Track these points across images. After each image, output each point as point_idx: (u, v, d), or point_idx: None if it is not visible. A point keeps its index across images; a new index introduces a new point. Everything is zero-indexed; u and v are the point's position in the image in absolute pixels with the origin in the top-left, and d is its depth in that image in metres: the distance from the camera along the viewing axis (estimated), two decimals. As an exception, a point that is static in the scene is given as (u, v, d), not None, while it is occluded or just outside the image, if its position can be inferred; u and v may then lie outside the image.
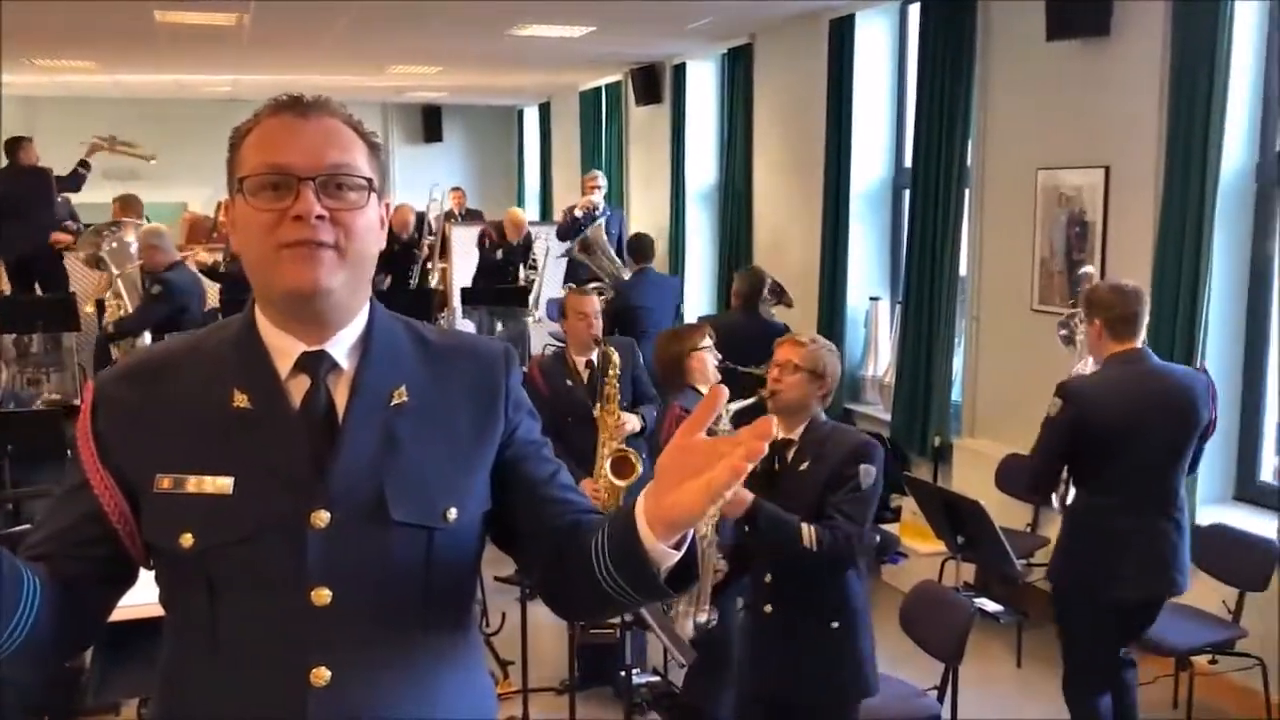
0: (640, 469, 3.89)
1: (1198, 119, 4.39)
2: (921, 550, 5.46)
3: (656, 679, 4.45)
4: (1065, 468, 3.71)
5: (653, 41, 8.84)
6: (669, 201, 9.53)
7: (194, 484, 1.37)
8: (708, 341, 4.21)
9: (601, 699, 4.40)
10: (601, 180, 9.20)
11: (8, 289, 8.56)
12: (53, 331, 7.93)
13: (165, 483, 1.38)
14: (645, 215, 10.17)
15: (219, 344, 1.46)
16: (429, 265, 9.42)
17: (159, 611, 1.46)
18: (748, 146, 8.21)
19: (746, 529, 3.10)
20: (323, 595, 1.36)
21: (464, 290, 8.50)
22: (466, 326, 8.20)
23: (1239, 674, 4.14)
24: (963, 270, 5.94)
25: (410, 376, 1.46)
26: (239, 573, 1.37)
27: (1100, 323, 3.62)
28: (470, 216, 11.75)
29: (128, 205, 8.08)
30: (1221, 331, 4.56)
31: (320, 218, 1.35)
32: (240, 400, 1.40)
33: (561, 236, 8.79)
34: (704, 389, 3.84)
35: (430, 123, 15.31)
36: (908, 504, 5.53)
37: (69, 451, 1.58)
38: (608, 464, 4.00)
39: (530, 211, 12.76)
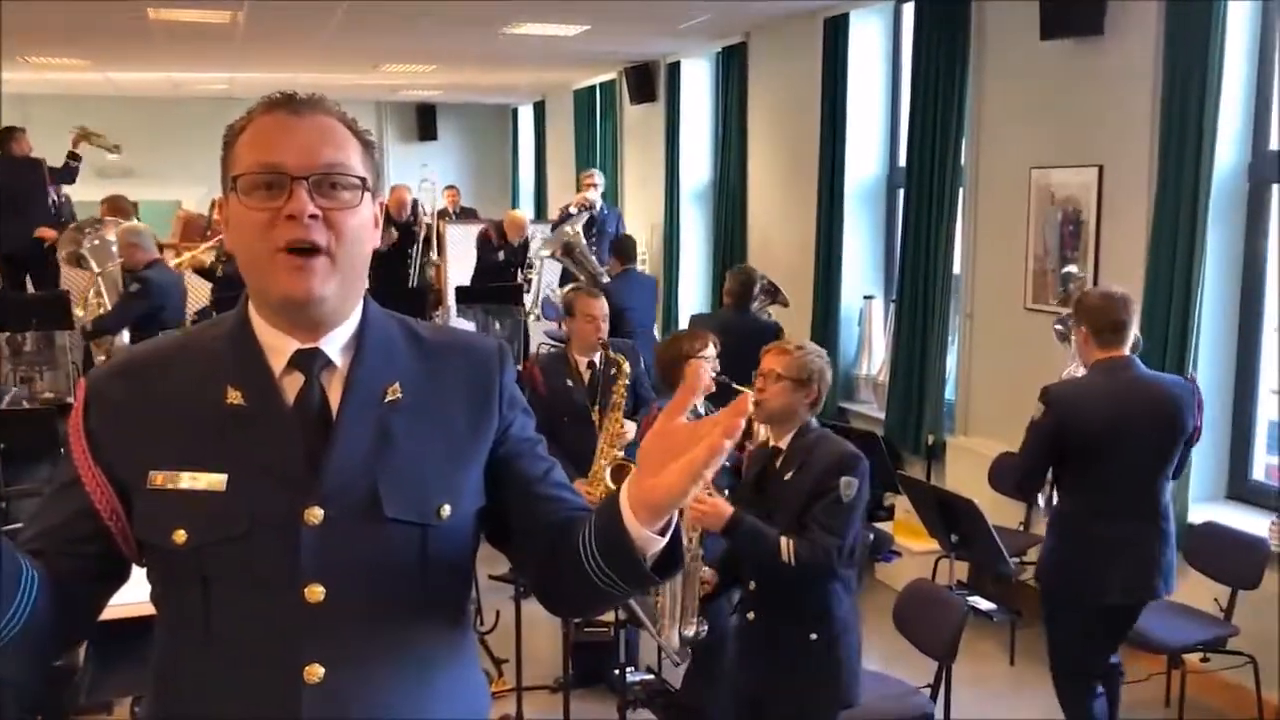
0: None
1: (1191, 118, 4.40)
2: (915, 548, 5.46)
3: (650, 677, 4.45)
4: (1050, 470, 3.73)
5: (647, 40, 8.84)
6: (663, 200, 9.53)
7: (187, 481, 1.37)
8: (710, 351, 4.15)
9: (595, 697, 4.40)
10: (598, 178, 9.20)
11: None
12: (46, 330, 7.91)
13: (158, 480, 1.38)
14: (640, 214, 10.17)
15: (212, 341, 1.46)
16: (429, 255, 9.40)
17: (151, 610, 1.46)
18: (742, 145, 8.21)
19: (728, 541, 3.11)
20: (316, 592, 1.36)
21: (459, 289, 8.49)
22: (467, 325, 8.19)
23: (1230, 672, 4.15)
24: (956, 269, 5.95)
25: (404, 373, 1.46)
26: (232, 569, 1.36)
27: (1086, 330, 3.63)
28: (464, 215, 11.74)
29: (115, 205, 8.06)
30: (1214, 330, 4.57)
31: (314, 217, 1.36)
32: (234, 397, 1.40)
33: None
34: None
35: (425, 121, 15.29)
36: (901, 502, 5.54)
37: (61, 450, 1.57)
38: (607, 471, 4.01)
39: (524, 210, 12.75)
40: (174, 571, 1.40)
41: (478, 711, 1.54)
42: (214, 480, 1.37)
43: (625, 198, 10.60)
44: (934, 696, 3.46)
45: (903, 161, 6.42)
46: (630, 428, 4.28)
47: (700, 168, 9.33)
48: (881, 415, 6.44)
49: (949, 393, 6.04)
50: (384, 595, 1.40)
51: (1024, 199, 5.40)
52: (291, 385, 1.42)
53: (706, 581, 3.25)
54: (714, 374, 4.17)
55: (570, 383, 4.60)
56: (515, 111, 15.48)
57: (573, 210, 8.72)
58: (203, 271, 7.63)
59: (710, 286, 8.89)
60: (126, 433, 1.40)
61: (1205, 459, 4.59)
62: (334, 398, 1.42)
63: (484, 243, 9.06)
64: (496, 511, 1.52)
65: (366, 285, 1.49)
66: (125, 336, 6.52)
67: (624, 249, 7.36)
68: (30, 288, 8.48)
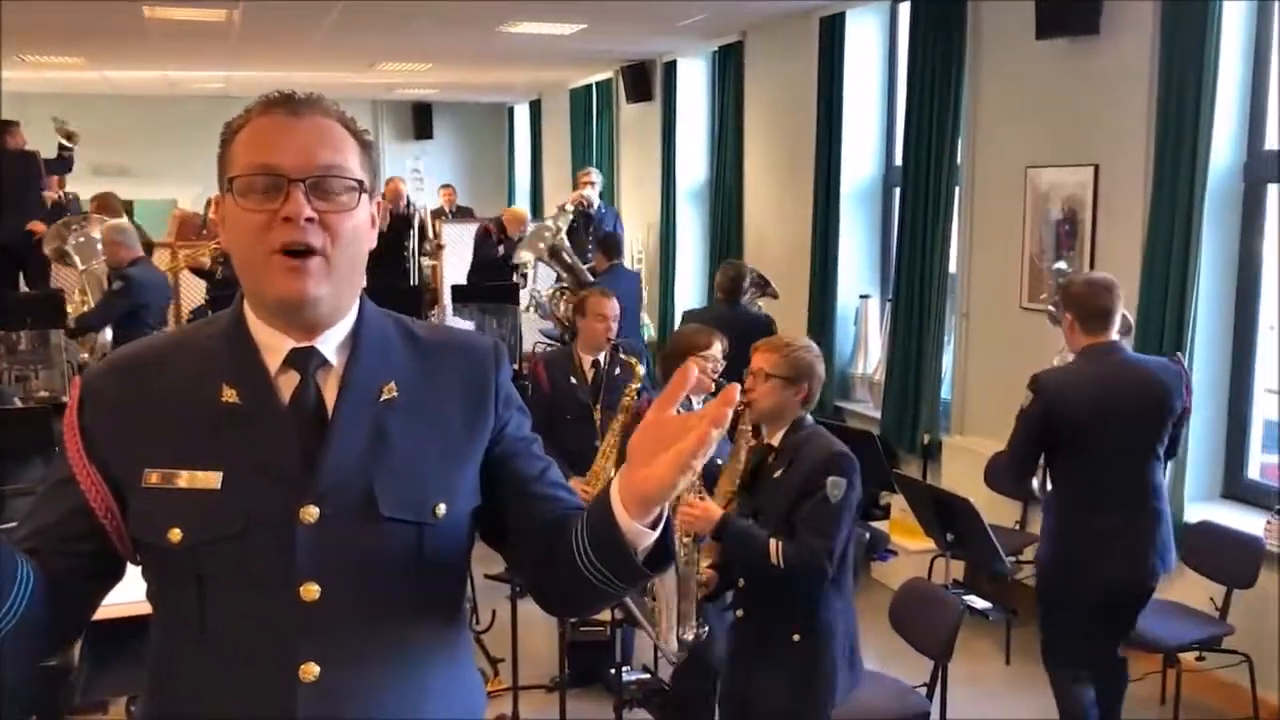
0: None
1: (1187, 117, 4.40)
2: (911, 547, 5.46)
3: (646, 676, 4.45)
4: (1041, 457, 3.74)
5: (643, 39, 8.84)
6: (659, 199, 9.53)
7: (183, 479, 1.37)
8: (714, 351, 4.06)
9: (591, 696, 4.39)
10: (595, 176, 9.19)
11: None
12: (41, 328, 7.89)
13: (153, 478, 1.38)
14: (636, 213, 10.17)
15: (208, 339, 1.46)
16: (424, 244, 9.40)
17: (146, 609, 1.46)
18: (738, 144, 8.21)
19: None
20: (311, 591, 1.35)
21: (455, 288, 8.49)
22: (465, 324, 8.17)
23: (1226, 670, 4.16)
24: (952, 268, 5.95)
25: (400, 372, 1.46)
26: (227, 568, 1.36)
27: (1072, 316, 3.65)
28: (461, 214, 11.73)
29: (104, 203, 8.04)
30: (1210, 328, 4.57)
31: (310, 219, 1.35)
32: (229, 395, 1.40)
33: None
34: (694, 397, 3.82)
35: (421, 120, 15.28)
36: (897, 501, 5.54)
37: (56, 448, 1.57)
38: (614, 474, 3.99)
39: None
40: (169, 570, 1.40)
41: (473, 710, 1.54)
42: (209, 478, 1.36)
43: (621, 197, 10.60)
44: (930, 695, 3.47)
45: (899, 161, 6.43)
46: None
47: (696, 167, 9.32)
48: (877, 414, 6.44)
49: (945, 392, 6.05)
50: (379, 594, 1.40)
51: (1020, 198, 5.41)
52: (287, 384, 1.42)
53: (706, 583, 3.25)
54: (715, 375, 4.17)
55: (574, 380, 4.60)
56: (511, 110, 15.48)
57: (569, 208, 8.70)
58: (201, 272, 7.61)
59: (706, 285, 8.88)
60: (121, 431, 1.40)
61: (1201, 458, 4.60)
62: (329, 396, 1.42)
63: (483, 238, 9.06)
64: (492, 510, 1.52)
65: (363, 284, 1.49)
66: (108, 334, 6.50)
67: (609, 245, 7.36)
68: (23, 281, 8.46)
